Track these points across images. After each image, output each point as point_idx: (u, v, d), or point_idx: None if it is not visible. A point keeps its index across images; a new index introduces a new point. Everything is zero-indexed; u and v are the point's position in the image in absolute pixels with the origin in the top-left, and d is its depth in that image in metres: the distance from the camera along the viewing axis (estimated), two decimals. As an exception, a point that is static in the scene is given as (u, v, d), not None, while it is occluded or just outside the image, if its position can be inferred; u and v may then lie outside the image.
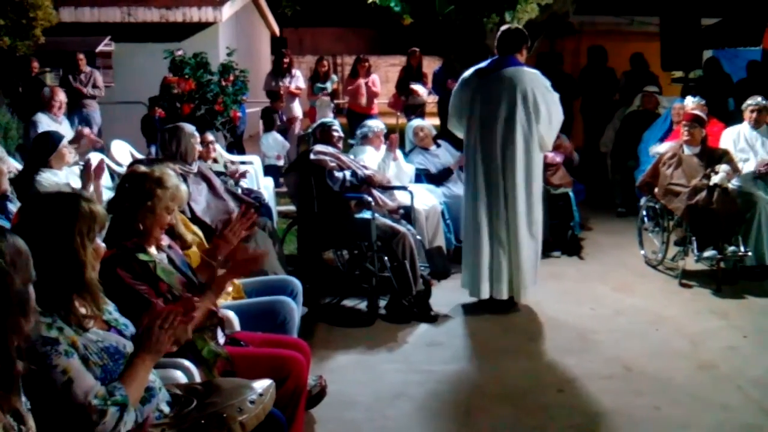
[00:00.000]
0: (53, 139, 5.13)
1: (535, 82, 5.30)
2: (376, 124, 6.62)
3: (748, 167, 6.42)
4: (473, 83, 5.45)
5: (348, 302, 5.66)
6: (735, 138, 6.70)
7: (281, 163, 9.28)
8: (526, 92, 5.24)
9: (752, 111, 6.64)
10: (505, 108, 5.25)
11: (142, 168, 3.16)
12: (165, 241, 3.20)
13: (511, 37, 5.41)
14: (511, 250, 5.33)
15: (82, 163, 5.50)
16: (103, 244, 2.45)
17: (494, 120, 5.29)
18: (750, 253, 6.05)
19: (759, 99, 6.70)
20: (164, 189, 3.02)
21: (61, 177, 4.98)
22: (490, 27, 7.59)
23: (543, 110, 5.26)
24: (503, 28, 5.55)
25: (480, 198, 5.37)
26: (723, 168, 6.02)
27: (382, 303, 5.44)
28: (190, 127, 5.14)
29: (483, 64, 5.49)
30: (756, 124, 6.64)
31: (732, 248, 5.92)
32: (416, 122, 7.56)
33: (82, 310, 2.35)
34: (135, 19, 12.00)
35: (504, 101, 5.25)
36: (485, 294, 5.42)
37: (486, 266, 5.37)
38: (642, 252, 6.83)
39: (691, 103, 7.26)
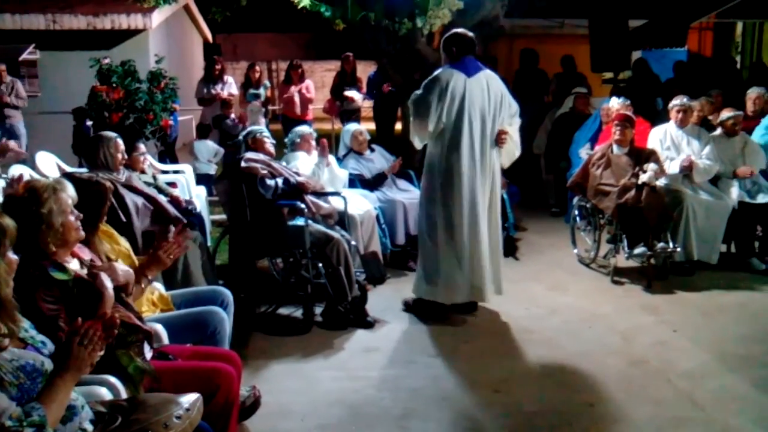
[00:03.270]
0: (-31, 151, 4.94)
1: (501, 84, 5.34)
2: (302, 129, 6.56)
3: (674, 166, 6.56)
4: (460, 85, 5.14)
5: (284, 310, 5.60)
6: (662, 137, 6.84)
7: (213, 171, 9.16)
8: (502, 94, 5.27)
9: (678, 111, 6.78)
10: (490, 110, 5.20)
11: (10, 191, 3.00)
12: (87, 255, 3.10)
13: (471, 40, 5.26)
14: (476, 254, 5.24)
15: (5, 176, 5.31)
16: (15, 257, 2.35)
17: (481, 121, 5.18)
18: (679, 249, 6.21)
19: (684, 99, 6.84)
20: (43, 203, 2.82)
21: (-20, 191, 4.79)
22: (403, 32, 7.61)
23: (515, 110, 5.32)
24: (459, 31, 5.32)
25: (451, 202, 5.22)
26: (651, 167, 6.16)
27: (319, 310, 5.40)
28: (110, 134, 5.02)
29: (467, 65, 5.20)
30: (681, 124, 6.78)
31: (661, 245, 6.06)
32: (354, 126, 7.51)
33: (-4, 330, 2.26)
34: (60, 27, 11.67)
35: (487, 103, 5.19)
36: (448, 299, 5.34)
37: (463, 270, 5.26)
38: (575, 251, 6.94)
39: (616, 104, 7.42)
